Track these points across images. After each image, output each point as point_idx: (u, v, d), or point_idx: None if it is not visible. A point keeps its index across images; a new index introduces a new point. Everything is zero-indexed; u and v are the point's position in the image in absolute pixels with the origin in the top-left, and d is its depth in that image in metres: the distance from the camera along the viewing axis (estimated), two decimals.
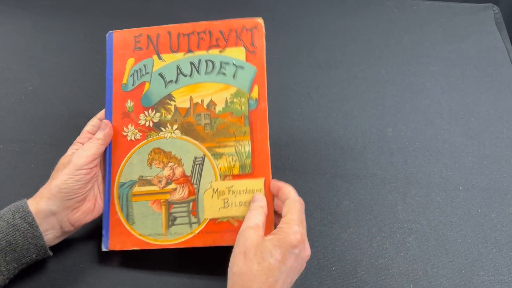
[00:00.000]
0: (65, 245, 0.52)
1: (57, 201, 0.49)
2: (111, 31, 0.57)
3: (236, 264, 0.44)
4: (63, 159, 0.51)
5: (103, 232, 0.53)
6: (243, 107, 0.54)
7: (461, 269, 0.55)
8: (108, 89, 0.56)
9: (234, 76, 0.54)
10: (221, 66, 0.55)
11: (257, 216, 0.48)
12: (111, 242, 0.53)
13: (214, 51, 0.55)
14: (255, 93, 0.54)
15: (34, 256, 0.48)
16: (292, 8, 0.76)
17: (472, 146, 0.63)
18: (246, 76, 0.54)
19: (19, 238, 0.47)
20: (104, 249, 0.53)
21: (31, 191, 0.57)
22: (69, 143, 0.61)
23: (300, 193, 0.59)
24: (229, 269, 0.45)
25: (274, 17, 0.75)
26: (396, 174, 0.61)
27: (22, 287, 0.51)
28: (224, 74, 0.55)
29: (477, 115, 0.66)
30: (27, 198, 0.49)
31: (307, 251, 0.46)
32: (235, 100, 0.54)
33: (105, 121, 0.54)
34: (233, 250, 0.45)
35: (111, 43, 0.56)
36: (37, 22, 0.73)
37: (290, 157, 0.62)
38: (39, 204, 0.48)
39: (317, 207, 0.59)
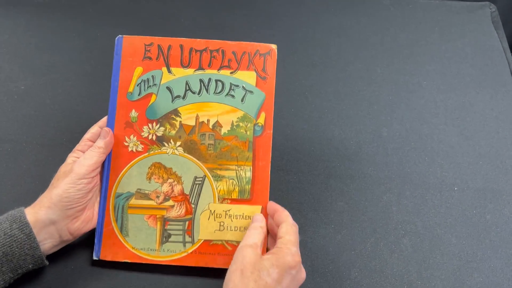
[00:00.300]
0: (60, 251, 0.52)
1: (57, 210, 0.48)
2: (120, 36, 0.56)
3: (232, 281, 0.43)
4: (64, 168, 0.51)
5: (96, 240, 0.53)
6: (248, 132, 0.54)
7: (455, 271, 0.55)
8: (113, 96, 0.55)
9: (242, 100, 0.54)
10: (230, 88, 0.55)
11: (256, 235, 0.48)
12: (103, 252, 0.53)
13: (225, 72, 0.55)
14: (261, 120, 0.54)
15: (30, 266, 0.48)
16: (286, 6, 0.75)
17: (467, 146, 0.63)
18: (254, 101, 0.54)
19: (16, 249, 0.46)
20: (95, 258, 0.53)
21: (23, 192, 0.57)
22: (62, 143, 0.61)
23: (294, 193, 0.59)
24: (224, 286, 0.44)
25: (269, 15, 0.74)
26: (390, 175, 0.61)
27: None
28: (233, 96, 0.55)
29: (473, 114, 0.66)
30: (23, 204, 0.49)
31: (303, 274, 0.47)
32: (241, 124, 0.54)
33: (106, 129, 0.53)
34: (230, 267, 0.45)
35: (120, 48, 0.55)
36: (30, 21, 0.72)
37: (284, 157, 0.62)
38: (38, 213, 0.48)
39: (311, 208, 0.58)
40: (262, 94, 0.54)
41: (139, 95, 0.55)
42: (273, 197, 0.54)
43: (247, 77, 0.55)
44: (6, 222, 0.46)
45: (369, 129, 0.64)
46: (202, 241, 0.53)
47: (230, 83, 0.55)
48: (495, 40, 0.72)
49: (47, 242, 0.49)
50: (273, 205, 0.52)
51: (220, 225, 0.53)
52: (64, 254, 0.53)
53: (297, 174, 0.61)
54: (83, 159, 0.51)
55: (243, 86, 0.54)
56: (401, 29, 0.73)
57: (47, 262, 0.50)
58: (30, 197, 0.56)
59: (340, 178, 0.60)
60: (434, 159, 0.62)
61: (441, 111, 0.66)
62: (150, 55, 0.55)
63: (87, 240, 0.54)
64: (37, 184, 0.58)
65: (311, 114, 0.65)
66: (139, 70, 0.55)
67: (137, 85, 0.55)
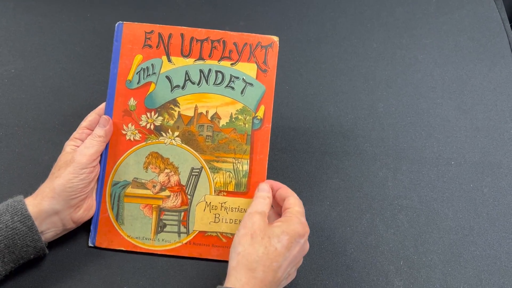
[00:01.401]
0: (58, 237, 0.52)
1: (61, 200, 0.48)
2: (120, 22, 0.54)
3: (242, 245, 0.44)
4: (64, 157, 0.50)
5: (91, 227, 0.53)
6: (246, 125, 0.53)
7: (452, 245, 0.54)
8: (111, 83, 0.54)
9: (242, 92, 0.53)
10: (230, 80, 0.54)
11: (264, 204, 0.48)
12: (98, 239, 0.53)
13: (226, 63, 0.54)
14: (260, 113, 0.53)
15: (32, 256, 0.48)
16: None
17: (465, 119, 0.62)
18: (254, 94, 0.53)
19: (18, 241, 0.46)
20: (90, 244, 0.53)
21: (16, 176, 0.57)
22: (54, 126, 0.60)
23: (289, 171, 0.59)
24: (232, 248, 0.45)
25: None
26: (387, 150, 0.60)
27: (14, 277, 0.51)
28: (232, 88, 0.54)
29: (471, 87, 0.64)
30: (17, 188, 0.49)
31: (307, 245, 0.48)
32: (240, 116, 0.53)
33: (106, 117, 0.53)
34: (238, 230, 0.46)
35: (120, 35, 0.54)
36: (18, 3, 0.71)
37: (279, 135, 0.61)
38: (42, 204, 0.47)
39: (306, 185, 0.58)
40: (262, 87, 0.53)
41: (138, 83, 0.54)
42: (269, 176, 0.53)
43: (248, 69, 0.54)
44: (7, 214, 0.46)
45: (365, 105, 0.63)
46: (197, 232, 0.53)
47: (230, 74, 0.54)
48: (493, 11, 0.71)
49: (50, 231, 0.49)
50: (274, 183, 0.51)
51: (215, 217, 0.53)
52: (61, 239, 0.52)
53: (292, 152, 0.60)
54: (84, 148, 0.50)
55: (243, 78, 0.54)
56: (397, 2, 0.72)
57: (47, 251, 0.50)
58: (23, 181, 0.57)
59: (335, 155, 0.60)
60: (430, 133, 0.61)
61: (438, 85, 0.65)
62: (150, 43, 0.54)
63: (84, 226, 0.54)
64: (30, 167, 0.58)
65: (306, 91, 0.64)
66: (138, 58, 0.54)
67: (137, 73, 0.54)
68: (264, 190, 0.50)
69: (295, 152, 0.60)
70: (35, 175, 0.57)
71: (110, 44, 0.54)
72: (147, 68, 0.54)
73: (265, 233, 0.44)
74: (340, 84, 0.65)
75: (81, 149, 0.50)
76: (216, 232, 0.53)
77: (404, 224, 0.55)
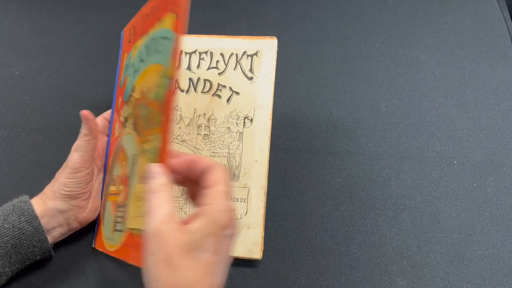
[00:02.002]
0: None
1: (63, 202, 0.49)
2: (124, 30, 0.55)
3: (162, 280, 0.32)
4: (66, 159, 0.50)
5: (95, 228, 0.54)
6: (163, 90, 0.40)
7: (455, 244, 0.54)
8: (115, 87, 0.55)
9: (163, 51, 0.41)
10: (157, 43, 0.43)
11: (165, 201, 0.35)
12: (96, 241, 0.53)
13: (157, 26, 0.44)
14: (170, 69, 0.39)
15: (38, 257, 0.49)
16: None
17: (467, 119, 0.62)
18: (167, 47, 0.40)
19: (25, 242, 0.47)
20: (93, 246, 0.54)
21: (20, 177, 0.58)
22: (58, 128, 0.61)
23: (292, 172, 0.59)
24: (149, 284, 0.33)
25: None
26: (389, 150, 0.60)
27: (19, 278, 0.51)
28: (160, 52, 0.42)
29: (473, 87, 0.64)
30: (22, 189, 0.49)
31: (236, 228, 0.37)
32: (161, 82, 0.41)
33: (85, 113, 0.49)
34: (146, 259, 0.33)
35: (121, 41, 0.55)
36: (21, 5, 0.71)
37: (281, 136, 0.61)
38: (47, 203, 0.48)
39: (309, 185, 0.58)
40: (172, 35, 0.39)
41: (123, 80, 0.54)
42: (271, 176, 0.54)
43: (168, 22, 0.41)
44: (14, 215, 0.47)
45: (367, 104, 0.63)
46: (128, 230, 0.43)
47: (159, 36, 0.43)
48: (495, 10, 0.70)
49: (56, 231, 0.50)
50: (183, 159, 0.39)
51: (138, 210, 0.42)
52: (67, 240, 0.53)
53: (295, 152, 0.60)
54: (74, 152, 0.50)
55: (166, 36, 0.41)
56: (399, 2, 0.72)
57: (53, 254, 0.50)
58: (28, 182, 0.57)
59: (338, 155, 0.60)
60: (433, 133, 0.61)
61: (440, 84, 0.65)
62: (130, 38, 0.53)
63: (90, 227, 0.54)
64: (34, 169, 0.58)
65: (308, 91, 0.65)
66: (125, 56, 0.54)
67: (124, 71, 0.54)
68: (155, 176, 0.36)
69: (298, 152, 0.60)
70: (39, 176, 0.57)
71: (113, 46, 0.55)
72: (127, 63, 0.53)
73: (183, 249, 0.32)
74: (343, 84, 0.65)
75: (71, 153, 0.50)
76: (139, 229, 0.41)
77: (407, 223, 0.56)
